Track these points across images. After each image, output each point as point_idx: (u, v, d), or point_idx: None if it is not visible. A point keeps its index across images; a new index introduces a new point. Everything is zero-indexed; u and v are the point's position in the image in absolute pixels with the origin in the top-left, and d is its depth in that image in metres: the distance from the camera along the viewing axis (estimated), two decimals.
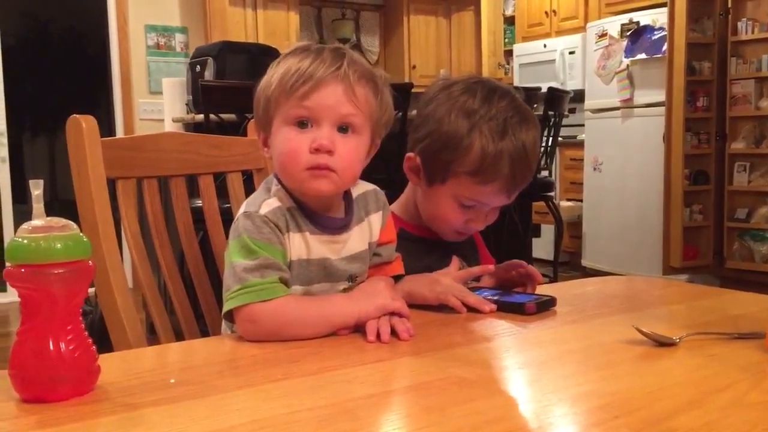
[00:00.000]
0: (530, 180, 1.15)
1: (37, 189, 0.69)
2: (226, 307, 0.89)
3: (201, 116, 2.86)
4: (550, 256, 4.04)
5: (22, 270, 0.65)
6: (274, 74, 0.93)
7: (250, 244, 0.90)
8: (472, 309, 1.01)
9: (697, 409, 0.66)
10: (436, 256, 1.08)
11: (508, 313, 1.01)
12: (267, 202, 0.93)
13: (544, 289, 1.14)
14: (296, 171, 0.91)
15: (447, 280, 1.05)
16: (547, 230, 4.78)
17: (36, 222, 0.67)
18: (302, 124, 0.91)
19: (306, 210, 0.95)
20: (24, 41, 7.63)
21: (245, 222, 0.92)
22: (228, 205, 1.27)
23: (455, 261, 1.10)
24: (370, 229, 1.02)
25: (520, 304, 1.01)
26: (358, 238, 1.00)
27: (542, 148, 3.38)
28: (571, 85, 5.22)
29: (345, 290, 0.99)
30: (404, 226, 1.18)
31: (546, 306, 1.02)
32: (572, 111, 4.87)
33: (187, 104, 3.60)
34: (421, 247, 1.17)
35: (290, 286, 0.92)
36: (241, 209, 0.95)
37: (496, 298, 1.04)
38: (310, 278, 0.96)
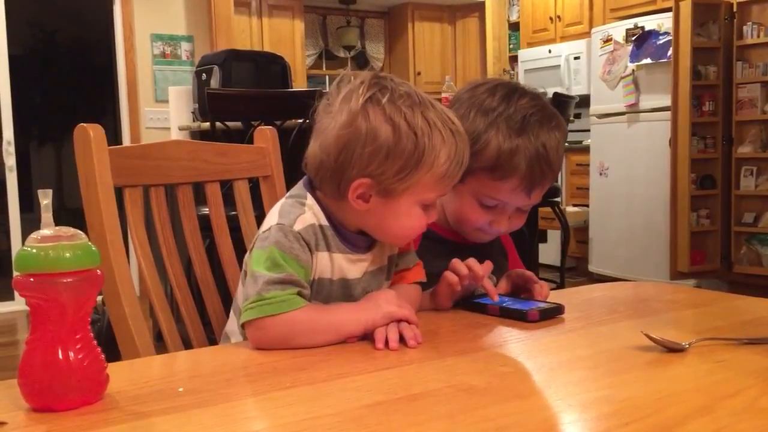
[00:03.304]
0: (552, 180, 1.14)
1: (46, 198, 0.69)
2: (243, 317, 0.89)
3: (207, 124, 2.87)
4: (557, 262, 4.03)
5: (32, 279, 0.66)
6: (430, 149, 0.91)
7: (278, 258, 0.90)
8: (477, 309, 1.00)
9: (708, 415, 0.66)
10: (462, 258, 1.09)
11: (511, 320, 1.01)
12: (302, 218, 0.94)
13: (551, 296, 1.14)
14: (406, 239, 1.03)
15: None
16: (554, 236, 4.77)
17: (45, 231, 0.67)
18: (426, 206, 0.96)
19: (338, 228, 0.97)
20: (31, 51, 7.68)
21: (278, 234, 0.92)
22: (235, 213, 1.27)
23: (488, 264, 1.07)
24: (388, 246, 1.03)
25: (523, 311, 1.01)
26: (380, 254, 1.02)
27: None
28: (577, 91, 5.22)
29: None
30: (432, 226, 1.20)
31: (550, 314, 1.02)
32: (578, 116, 4.88)
33: (193, 112, 3.60)
34: (447, 248, 1.18)
35: (309, 301, 0.92)
36: (274, 219, 0.94)
37: (501, 304, 1.04)
38: (330, 297, 0.97)
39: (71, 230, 0.68)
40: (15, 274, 0.67)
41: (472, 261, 1.05)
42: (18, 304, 4.49)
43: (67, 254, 0.66)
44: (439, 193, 0.96)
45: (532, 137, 1.08)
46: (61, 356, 0.67)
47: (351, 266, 0.98)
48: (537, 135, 1.08)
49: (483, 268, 1.05)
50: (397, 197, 0.93)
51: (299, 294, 0.90)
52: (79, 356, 0.67)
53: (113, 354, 0.90)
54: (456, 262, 1.05)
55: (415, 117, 0.90)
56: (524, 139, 1.08)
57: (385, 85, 0.91)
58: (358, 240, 0.99)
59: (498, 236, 1.28)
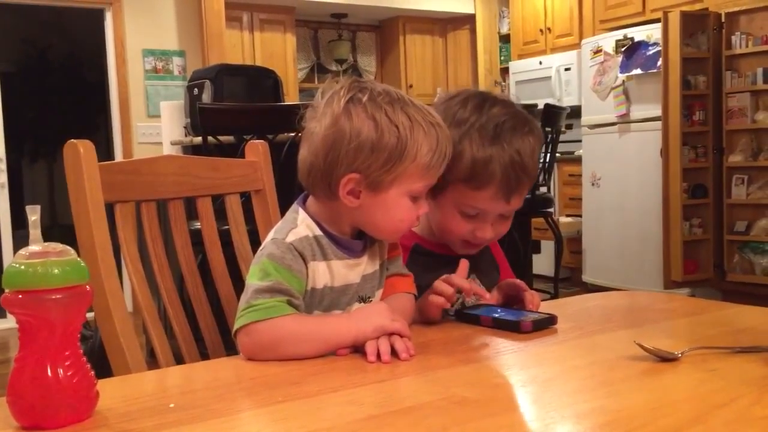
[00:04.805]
0: (530, 185, 1.15)
1: (34, 214, 0.69)
2: (234, 327, 0.91)
3: (199, 139, 2.87)
4: (551, 273, 4.03)
5: (20, 296, 0.65)
6: (412, 142, 0.94)
7: (269, 267, 0.92)
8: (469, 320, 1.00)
9: (701, 424, 0.65)
10: (450, 271, 1.09)
11: (504, 330, 1.00)
12: (294, 231, 0.97)
13: (544, 306, 1.13)
14: (400, 232, 1.02)
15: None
16: (547, 246, 4.77)
17: (33, 247, 0.67)
18: (414, 198, 0.99)
19: (332, 236, 0.99)
20: (23, 67, 7.67)
21: (271, 246, 0.95)
22: (226, 227, 1.27)
23: (463, 263, 1.08)
24: (379, 249, 1.05)
25: (516, 322, 1.01)
26: (372, 259, 1.04)
27: (540, 165, 3.39)
28: (568, 102, 5.25)
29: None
30: (420, 241, 1.20)
31: (544, 324, 1.01)
32: (569, 127, 4.89)
33: (185, 127, 3.60)
34: (437, 261, 1.18)
35: (301, 312, 0.93)
36: (269, 236, 0.98)
37: (494, 315, 1.03)
38: (332, 304, 0.99)
39: (60, 246, 0.68)
40: (4, 291, 0.66)
41: (455, 278, 1.04)
42: (10, 322, 4.46)
43: (56, 270, 0.66)
44: (426, 183, 0.98)
45: (505, 144, 1.10)
46: (50, 373, 0.66)
47: (350, 271, 1.00)
48: (510, 142, 1.10)
49: (469, 282, 1.05)
50: (385, 189, 0.95)
51: (289, 303, 0.91)
52: (69, 373, 0.67)
53: (105, 371, 0.89)
54: (438, 283, 1.04)
55: (396, 112, 0.94)
56: (498, 148, 1.09)
57: (364, 86, 0.96)
58: (353, 244, 1.01)
59: (488, 248, 1.28)
